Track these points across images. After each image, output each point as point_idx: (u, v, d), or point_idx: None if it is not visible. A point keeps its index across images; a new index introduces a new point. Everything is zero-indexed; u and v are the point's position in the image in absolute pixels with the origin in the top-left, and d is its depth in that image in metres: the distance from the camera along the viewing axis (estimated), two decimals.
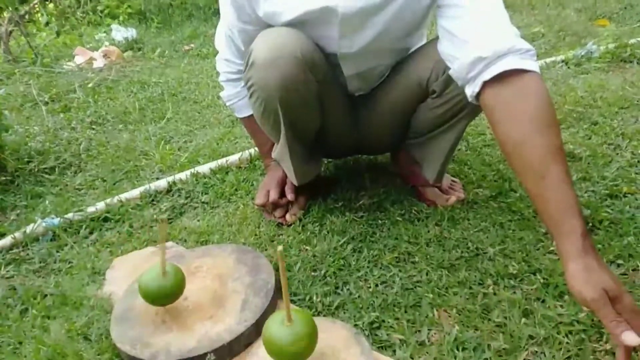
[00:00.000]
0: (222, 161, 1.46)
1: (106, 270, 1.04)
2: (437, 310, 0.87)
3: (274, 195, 1.16)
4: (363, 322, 0.85)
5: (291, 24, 0.95)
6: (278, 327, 0.68)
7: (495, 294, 0.90)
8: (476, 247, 1.02)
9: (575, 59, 2.08)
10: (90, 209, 1.26)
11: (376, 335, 0.83)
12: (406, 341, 0.81)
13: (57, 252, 1.14)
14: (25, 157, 1.57)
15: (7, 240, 1.16)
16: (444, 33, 0.90)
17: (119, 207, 1.28)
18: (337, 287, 0.95)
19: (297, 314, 0.69)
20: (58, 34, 3.14)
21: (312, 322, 0.70)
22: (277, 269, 1.01)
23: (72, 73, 2.62)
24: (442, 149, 1.12)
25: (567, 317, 0.82)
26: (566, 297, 0.87)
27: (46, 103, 2.15)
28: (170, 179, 1.38)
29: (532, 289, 0.90)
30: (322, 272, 0.99)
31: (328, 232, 1.11)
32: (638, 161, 1.29)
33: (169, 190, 1.36)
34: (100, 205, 1.28)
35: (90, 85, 2.37)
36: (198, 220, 1.22)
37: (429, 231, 1.08)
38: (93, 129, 1.87)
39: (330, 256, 1.03)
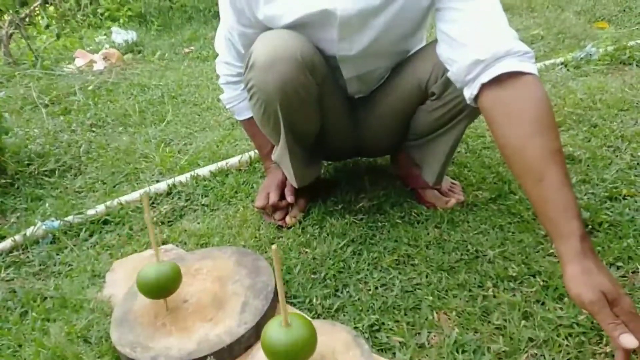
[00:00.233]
0: (222, 164, 1.46)
1: (106, 273, 1.04)
2: (436, 312, 0.87)
3: (273, 197, 1.16)
4: (363, 325, 0.86)
5: (291, 27, 0.95)
6: (276, 330, 0.68)
7: (494, 296, 0.90)
8: (476, 250, 1.02)
9: (575, 62, 2.09)
10: (90, 212, 1.26)
11: (376, 337, 0.84)
12: (406, 344, 0.81)
13: (57, 254, 1.14)
14: (25, 160, 1.57)
15: (7, 243, 1.16)
16: (442, 36, 0.91)
17: (118, 209, 1.28)
18: (337, 290, 0.95)
19: (296, 317, 0.69)
20: (58, 36, 3.15)
21: (311, 326, 0.70)
22: None
23: (72, 76, 2.62)
24: (441, 151, 1.12)
25: (567, 319, 0.82)
26: (566, 299, 0.87)
27: (46, 106, 2.16)
28: (170, 181, 1.38)
29: (531, 292, 0.90)
30: (322, 274, 0.99)
31: (328, 235, 1.11)
32: (637, 163, 1.29)
33: (169, 193, 1.36)
34: (100, 207, 1.28)
35: (90, 87, 2.37)
36: (198, 223, 1.22)
37: (428, 234, 1.09)
38: (93, 131, 1.87)
39: (330, 259, 1.03)
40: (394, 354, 0.80)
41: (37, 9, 3.47)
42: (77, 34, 3.59)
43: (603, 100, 1.68)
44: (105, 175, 1.50)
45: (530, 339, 0.80)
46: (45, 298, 0.99)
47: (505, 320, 0.84)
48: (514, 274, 0.94)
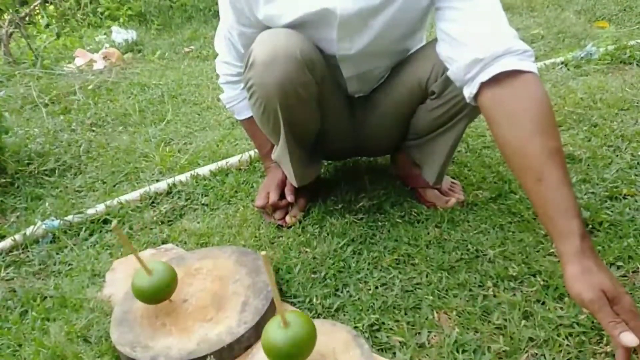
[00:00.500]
0: (222, 163, 1.46)
1: (106, 273, 1.04)
2: (437, 312, 0.87)
3: (273, 197, 1.16)
4: (363, 325, 0.85)
5: (291, 26, 0.95)
6: (275, 329, 0.68)
7: (495, 296, 0.90)
8: (476, 249, 1.02)
9: (575, 61, 2.08)
10: (90, 211, 1.26)
11: (376, 337, 0.84)
12: (406, 343, 0.81)
13: (57, 254, 1.14)
14: (25, 159, 1.57)
15: (6, 243, 1.16)
16: (442, 35, 0.90)
17: (118, 209, 1.28)
18: (337, 289, 0.95)
19: (295, 317, 0.69)
20: (58, 35, 3.14)
21: (310, 323, 0.70)
22: (276, 271, 1.01)
23: (72, 75, 2.62)
24: (441, 151, 1.12)
25: (567, 319, 0.82)
26: (566, 299, 0.87)
27: (46, 105, 2.15)
28: (170, 180, 1.38)
29: (532, 291, 0.90)
30: (322, 274, 0.99)
31: (328, 234, 1.11)
32: (638, 163, 1.29)
33: (169, 192, 1.36)
34: (100, 207, 1.28)
35: (90, 87, 2.37)
36: (198, 222, 1.22)
37: (428, 233, 1.08)
38: (93, 130, 1.87)
39: (330, 258, 1.03)
40: (394, 353, 0.80)
41: (37, 8, 3.47)
42: (77, 33, 3.59)
43: (603, 99, 1.68)
44: (105, 175, 1.50)
45: (531, 339, 0.80)
46: (45, 297, 0.99)
47: (505, 319, 0.84)
48: (515, 274, 0.94)
